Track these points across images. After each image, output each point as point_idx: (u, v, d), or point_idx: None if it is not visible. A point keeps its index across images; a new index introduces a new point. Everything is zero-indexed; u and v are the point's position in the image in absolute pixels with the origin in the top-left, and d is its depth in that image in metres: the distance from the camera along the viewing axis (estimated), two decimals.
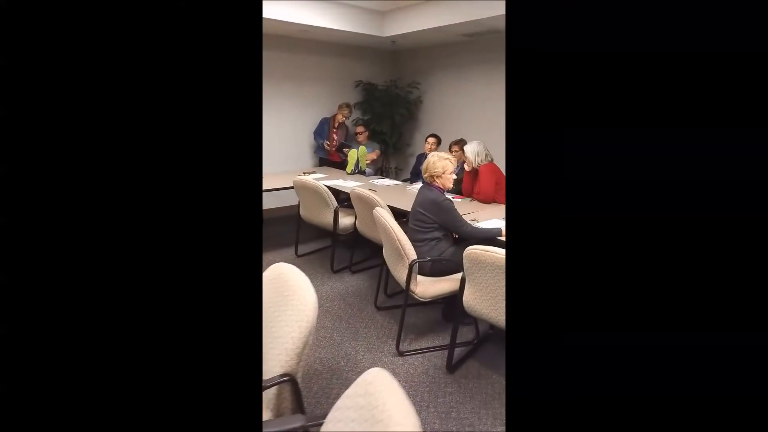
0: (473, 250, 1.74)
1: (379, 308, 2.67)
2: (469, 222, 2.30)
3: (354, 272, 3.21)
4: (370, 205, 2.75)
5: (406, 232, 2.20)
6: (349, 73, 5.30)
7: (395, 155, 5.57)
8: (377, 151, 4.86)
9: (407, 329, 2.44)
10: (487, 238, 2.25)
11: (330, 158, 4.83)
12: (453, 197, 3.26)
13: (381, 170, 5.41)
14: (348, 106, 4.77)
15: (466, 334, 2.38)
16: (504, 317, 1.74)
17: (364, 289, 2.94)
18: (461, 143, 3.63)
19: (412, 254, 2.08)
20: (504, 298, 1.71)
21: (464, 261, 1.81)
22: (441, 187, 2.32)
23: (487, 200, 3.05)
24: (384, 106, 5.23)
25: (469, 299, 1.90)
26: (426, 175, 2.33)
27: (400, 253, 2.11)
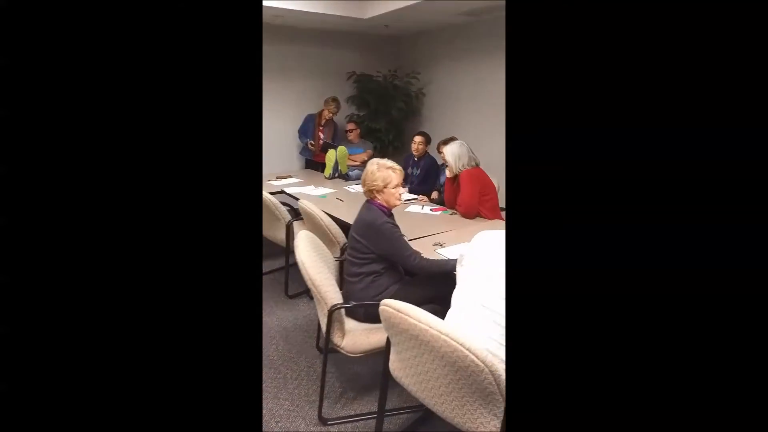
0: (386, 307, 1.21)
1: (322, 350, 2.17)
2: (417, 251, 1.75)
3: (312, 297, 2.73)
4: (312, 221, 2.26)
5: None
6: (341, 64, 4.79)
7: (395, 155, 5.02)
8: (369, 151, 4.35)
9: (347, 382, 1.94)
10: (441, 273, 1.70)
11: (315, 159, 4.36)
12: (432, 209, 2.72)
13: None
14: (335, 100, 4.28)
15: None
16: (433, 400, 1.21)
17: (318, 320, 2.45)
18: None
19: (331, 298, 1.57)
20: (430, 378, 1.18)
21: (381, 316, 1.29)
22: (384, 205, 1.79)
23: (468, 214, 2.48)
24: (379, 100, 4.69)
25: (394, 366, 1.38)
26: (364, 189, 1.80)
27: (317, 296, 1.60)
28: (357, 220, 1.79)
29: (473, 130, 4.36)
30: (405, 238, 2.02)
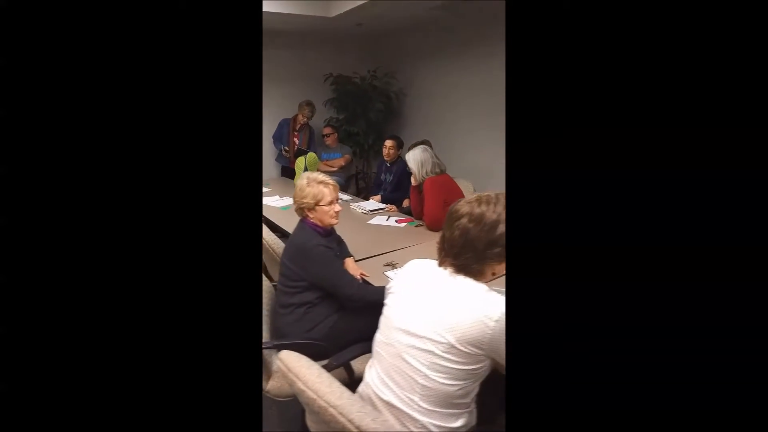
0: (280, 362, 0.98)
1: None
2: (359, 278, 1.53)
3: None
4: None
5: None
6: (318, 66, 4.57)
7: (376, 159, 4.79)
8: (347, 156, 4.14)
9: (291, 422, 1.72)
10: (380, 303, 1.47)
11: (291, 166, 4.15)
12: (397, 221, 2.49)
13: (356, 177, 4.67)
14: (309, 104, 4.07)
15: None
16: None
17: None
18: None
19: None
20: None
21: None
22: (317, 224, 1.56)
23: (433, 225, 2.25)
24: (357, 102, 4.47)
25: (310, 424, 1.15)
26: (295, 207, 1.58)
27: None
28: (288, 243, 1.57)
29: (457, 130, 4.13)
30: (352, 258, 1.81)
